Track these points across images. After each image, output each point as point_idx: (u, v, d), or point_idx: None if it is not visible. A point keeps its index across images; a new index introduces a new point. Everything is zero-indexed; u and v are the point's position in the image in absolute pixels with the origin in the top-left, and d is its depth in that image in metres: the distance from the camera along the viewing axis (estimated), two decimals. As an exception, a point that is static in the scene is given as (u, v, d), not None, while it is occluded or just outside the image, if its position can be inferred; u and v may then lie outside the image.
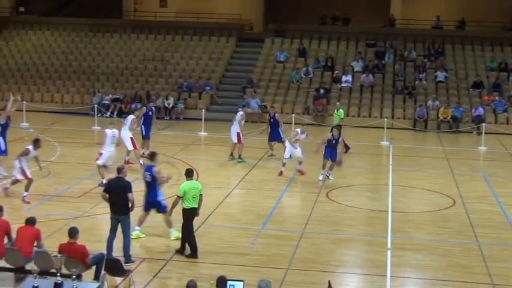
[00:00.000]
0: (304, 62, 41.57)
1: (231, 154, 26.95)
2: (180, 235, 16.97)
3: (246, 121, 27.83)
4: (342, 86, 39.45)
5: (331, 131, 24.80)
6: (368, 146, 31.36)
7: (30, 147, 20.54)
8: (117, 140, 23.26)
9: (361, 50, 42.67)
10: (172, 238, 17.37)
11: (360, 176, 25.64)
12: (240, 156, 26.75)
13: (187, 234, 16.49)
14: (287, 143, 24.76)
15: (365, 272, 16.17)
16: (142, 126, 26.68)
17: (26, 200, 20.14)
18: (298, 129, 24.82)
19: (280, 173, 24.48)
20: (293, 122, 32.29)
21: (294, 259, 16.50)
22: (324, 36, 44.24)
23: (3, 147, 23.22)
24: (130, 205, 15.93)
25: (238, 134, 26.69)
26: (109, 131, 22.84)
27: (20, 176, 20.44)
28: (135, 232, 17.35)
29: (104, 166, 22.29)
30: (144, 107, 27.81)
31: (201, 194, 16.55)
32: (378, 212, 20.75)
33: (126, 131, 25.11)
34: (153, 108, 27.90)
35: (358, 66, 40.93)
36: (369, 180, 25.23)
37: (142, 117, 26.76)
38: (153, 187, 17.31)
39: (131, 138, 25.02)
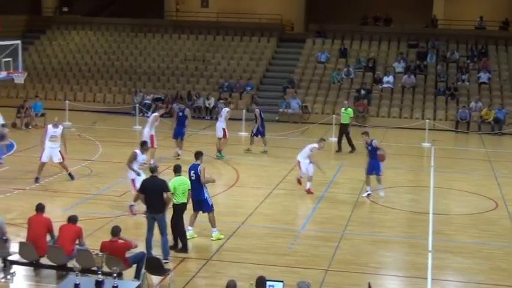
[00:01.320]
0: (345, 63, 41.41)
1: (219, 151, 27.39)
2: (222, 237, 17.07)
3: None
4: (383, 86, 39.23)
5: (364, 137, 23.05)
6: (409, 148, 31.13)
7: (138, 150, 19.76)
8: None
9: (402, 51, 42.36)
10: (213, 238, 17.44)
11: (400, 177, 25.45)
12: (219, 151, 27.16)
13: (177, 230, 16.60)
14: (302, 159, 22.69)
15: (405, 274, 16.07)
16: (176, 127, 26.93)
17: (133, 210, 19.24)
18: (316, 145, 22.74)
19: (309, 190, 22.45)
20: (333, 123, 32.18)
21: (333, 260, 16.46)
22: (366, 37, 44.03)
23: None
24: (165, 204, 16.09)
25: (224, 129, 27.17)
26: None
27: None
28: (189, 232, 17.43)
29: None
30: (177, 107, 28.36)
31: (189, 190, 16.64)
32: (419, 213, 20.60)
33: (147, 129, 25.17)
34: (185, 108, 27.86)
35: (399, 67, 40.65)
36: (410, 182, 25.05)
37: (176, 119, 27.15)
38: (198, 186, 17.34)
39: (151, 135, 24.99)
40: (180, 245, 16.68)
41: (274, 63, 43.25)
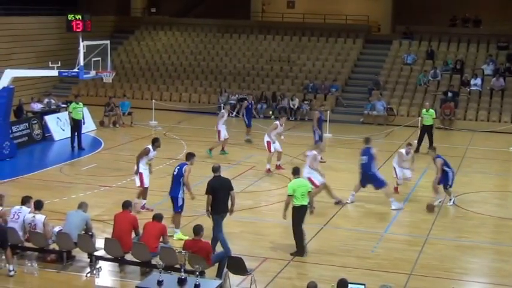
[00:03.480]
0: (432, 65, 40.80)
1: (222, 149, 27.72)
2: (185, 237, 16.76)
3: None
4: (470, 89, 38.47)
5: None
6: (497, 152, 30.43)
7: (150, 147, 19.87)
8: None
9: (492, 53, 41.47)
10: (175, 238, 17.28)
11: (487, 182, 24.94)
12: (210, 150, 27.11)
13: (297, 233, 16.53)
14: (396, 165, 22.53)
15: (491, 281, 15.75)
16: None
17: (147, 207, 19.82)
18: (403, 150, 22.58)
19: (396, 189, 22.48)
20: (419, 125, 31.72)
21: (417, 265, 16.26)
22: (454, 39, 43.29)
23: None
24: (231, 202, 16.27)
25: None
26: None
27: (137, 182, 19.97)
28: (177, 234, 17.52)
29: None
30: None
31: (309, 192, 16.58)
32: (506, 219, 20.16)
33: (265, 136, 25.49)
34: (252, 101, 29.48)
35: (488, 69, 39.81)
36: (497, 187, 24.53)
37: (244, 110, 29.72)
38: (177, 183, 17.68)
39: (267, 142, 25.14)
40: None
41: (359, 65, 42.97)
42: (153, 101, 36.78)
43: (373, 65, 42.07)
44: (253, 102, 32.29)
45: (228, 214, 16.42)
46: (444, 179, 21.16)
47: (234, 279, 14.45)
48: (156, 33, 47.59)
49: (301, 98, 38.62)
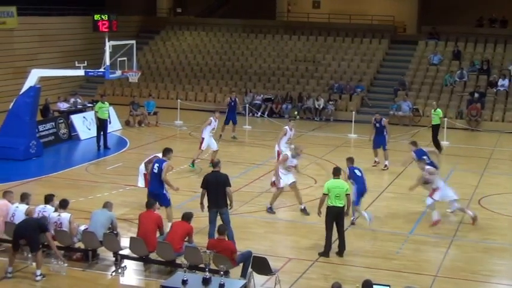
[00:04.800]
0: (459, 65, 40.52)
1: (211, 161, 23.99)
2: None
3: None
4: (497, 90, 38.17)
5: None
6: (524, 153, 30.19)
7: (159, 154, 19.29)
8: None
9: (519, 53, 41.17)
10: None
11: (514, 183, 24.74)
12: (193, 162, 25.05)
13: (328, 233, 16.49)
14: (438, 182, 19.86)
15: (518, 283, 15.61)
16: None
17: None
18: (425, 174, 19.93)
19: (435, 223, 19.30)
20: (445, 127, 31.55)
21: (442, 266, 16.15)
22: (480, 39, 42.95)
23: None
24: (228, 200, 16.43)
25: (202, 139, 25.04)
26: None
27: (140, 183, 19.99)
28: None
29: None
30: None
31: (347, 194, 16.51)
32: (533, 221, 19.97)
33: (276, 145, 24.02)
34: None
35: (515, 70, 39.51)
36: (524, 189, 24.31)
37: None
38: (158, 180, 17.79)
39: (277, 152, 24.39)
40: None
41: (385, 65, 42.80)
42: (179, 100, 36.89)
43: (399, 66, 41.89)
44: (236, 99, 32.08)
45: (228, 210, 16.62)
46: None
47: (258, 279, 14.43)
48: (181, 33, 47.70)
49: (327, 98, 38.51)
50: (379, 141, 26.21)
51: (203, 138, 25.09)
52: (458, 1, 47.02)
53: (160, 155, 19.01)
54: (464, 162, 27.53)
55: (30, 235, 14.94)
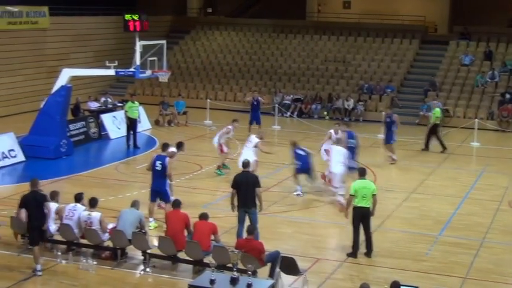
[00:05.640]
0: (490, 66, 40.17)
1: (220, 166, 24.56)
2: (156, 225, 18.01)
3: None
4: (529, 91, 37.81)
5: None
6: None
7: (174, 149, 20.05)
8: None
9: (552, 54, 40.74)
10: (151, 227, 17.91)
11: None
12: (219, 168, 24.42)
13: (355, 234, 16.44)
14: None
15: (549, 286, 15.44)
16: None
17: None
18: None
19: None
20: (476, 127, 31.32)
21: (472, 268, 16.03)
22: (512, 39, 42.62)
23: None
24: (258, 201, 16.45)
25: (220, 145, 24.33)
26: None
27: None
28: (151, 223, 18.10)
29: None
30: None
31: (374, 195, 16.43)
32: None
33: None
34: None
35: (547, 71, 39.10)
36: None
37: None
38: (162, 177, 18.13)
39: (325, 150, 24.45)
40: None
41: (416, 66, 42.54)
42: (208, 100, 36.98)
43: (430, 66, 41.62)
44: (259, 98, 32.18)
45: (257, 210, 16.65)
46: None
47: (286, 279, 14.43)
48: (211, 33, 47.80)
49: (356, 98, 38.39)
50: (390, 136, 26.75)
51: (220, 144, 24.31)
52: (490, 1, 46.59)
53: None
54: (494, 164, 27.28)
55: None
